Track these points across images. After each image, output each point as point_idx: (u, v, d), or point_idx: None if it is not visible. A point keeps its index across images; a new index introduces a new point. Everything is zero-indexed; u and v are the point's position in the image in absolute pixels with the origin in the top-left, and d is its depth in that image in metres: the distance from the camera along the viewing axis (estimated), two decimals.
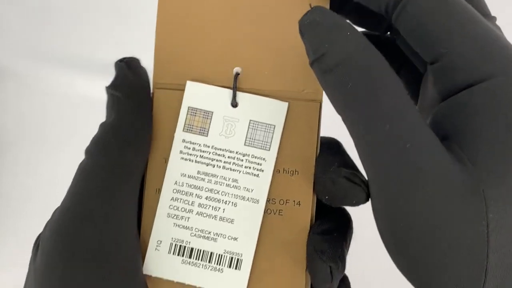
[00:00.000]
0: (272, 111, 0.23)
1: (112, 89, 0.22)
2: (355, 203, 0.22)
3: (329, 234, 0.23)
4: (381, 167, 0.19)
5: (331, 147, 0.24)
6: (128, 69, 0.23)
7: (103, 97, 0.67)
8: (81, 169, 0.23)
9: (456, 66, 0.20)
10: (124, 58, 0.23)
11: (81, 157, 0.64)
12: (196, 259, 0.23)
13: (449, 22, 0.20)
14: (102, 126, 0.23)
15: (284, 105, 0.23)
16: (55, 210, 0.23)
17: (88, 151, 0.23)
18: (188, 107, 0.23)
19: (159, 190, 0.24)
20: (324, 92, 0.22)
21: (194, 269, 0.23)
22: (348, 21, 0.20)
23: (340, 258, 0.22)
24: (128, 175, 0.22)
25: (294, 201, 0.23)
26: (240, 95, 0.24)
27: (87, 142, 0.68)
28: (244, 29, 0.23)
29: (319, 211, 0.24)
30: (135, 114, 0.22)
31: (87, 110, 0.61)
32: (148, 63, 0.66)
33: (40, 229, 0.60)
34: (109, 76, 0.69)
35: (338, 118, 0.20)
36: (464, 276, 0.18)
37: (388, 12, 0.21)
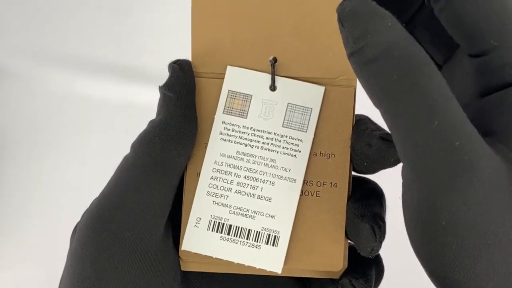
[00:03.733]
0: (309, 95, 0.24)
1: (165, 89, 0.23)
2: (393, 162, 0.23)
3: (366, 202, 0.24)
4: (427, 163, 0.18)
5: (361, 120, 0.25)
6: (181, 71, 0.24)
7: (103, 97, 0.67)
8: (123, 163, 0.24)
9: (507, 61, 0.19)
10: (178, 60, 0.24)
11: (81, 157, 0.64)
12: (234, 235, 0.24)
13: (503, 15, 0.19)
14: (151, 123, 0.24)
15: (321, 89, 0.24)
16: (94, 199, 0.24)
17: (134, 146, 0.24)
18: (228, 90, 0.24)
19: (199, 174, 0.24)
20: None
21: (232, 246, 0.24)
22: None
23: (380, 219, 0.23)
24: (168, 173, 0.23)
25: (331, 183, 0.24)
26: (278, 80, 0.24)
27: (87, 142, 0.67)
28: (279, 18, 0.24)
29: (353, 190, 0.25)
30: (183, 116, 0.23)
31: (87, 110, 0.61)
32: (149, 62, 0.66)
33: (40, 229, 0.60)
34: (110, 76, 0.68)
35: (370, 103, 0.20)
36: (500, 273, 0.18)
37: None
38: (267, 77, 0.24)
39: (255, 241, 0.24)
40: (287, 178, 0.24)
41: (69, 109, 0.61)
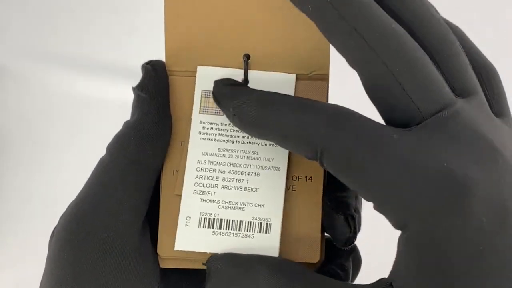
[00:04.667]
0: (281, 84, 0.24)
1: (138, 89, 0.24)
2: None
3: (340, 194, 0.24)
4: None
5: None
6: (154, 71, 0.24)
7: (102, 97, 0.67)
8: (99, 164, 0.24)
9: (383, 212, 0.20)
10: (151, 61, 0.24)
11: (81, 156, 0.64)
12: (226, 229, 0.24)
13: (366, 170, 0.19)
14: (125, 124, 0.24)
15: (292, 77, 0.24)
16: (71, 202, 0.24)
17: (109, 147, 0.24)
18: (202, 90, 0.25)
19: (176, 172, 0.25)
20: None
21: (225, 239, 0.24)
22: None
23: (355, 210, 0.24)
24: (144, 172, 0.24)
25: (306, 176, 0.24)
26: (250, 74, 0.25)
27: (87, 142, 0.67)
28: (252, 16, 0.24)
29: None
30: (157, 115, 0.24)
31: (87, 110, 0.61)
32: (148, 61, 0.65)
33: (40, 229, 0.60)
34: (109, 75, 0.68)
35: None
36: None
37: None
38: (239, 72, 0.25)
39: (247, 231, 0.24)
40: (271, 168, 0.24)
41: (69, 109, 0.61)
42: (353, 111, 0.20)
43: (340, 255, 0.25)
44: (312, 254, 0.24)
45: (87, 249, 0.23)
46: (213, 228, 0.24)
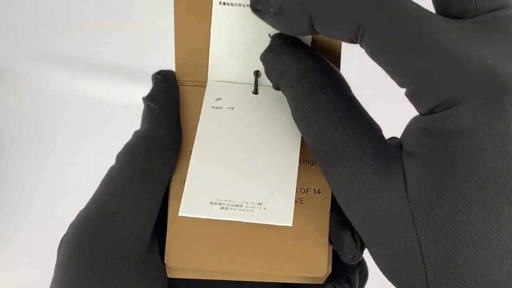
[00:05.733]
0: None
1: (149, 100, 0.24)
2: None
3: None
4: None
5: None
6: (164, 82, 0.24)
7: (103, 97, 0.66)
8: (109, 174, 0.24)
9: (416, 94, 0.19)
10: (161, 71, 0.24)
11: (81, 156, 0.64)
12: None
13: (401, 57, 0.19)
14: (135, 134, 0.24)
15: None
16: (80, 211, 0.24)
17: (118, 156, 0.24)
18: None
19: (184, 182, 0.24)
20: None
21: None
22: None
23: None
24: (153, 183, 0.23)
25: (314, 189, 0.24)
26: (260, 88, 0.24)
27: (87, 142, 0.67)
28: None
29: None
30: (167, 126, 0.24)
31: (87, 110, 0.61)
32: (149, 62, 0.66)
33: (39, 229, 0.60)
34: (110, 76, 0.68)
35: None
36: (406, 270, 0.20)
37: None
38: (249, 87, 0.24)
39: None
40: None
41: (69, 109, 0.61)
42: None
43: (346, 268, 0.25)
44: (319, 267, 0.24)
45: (94, 259, 0.23)
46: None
